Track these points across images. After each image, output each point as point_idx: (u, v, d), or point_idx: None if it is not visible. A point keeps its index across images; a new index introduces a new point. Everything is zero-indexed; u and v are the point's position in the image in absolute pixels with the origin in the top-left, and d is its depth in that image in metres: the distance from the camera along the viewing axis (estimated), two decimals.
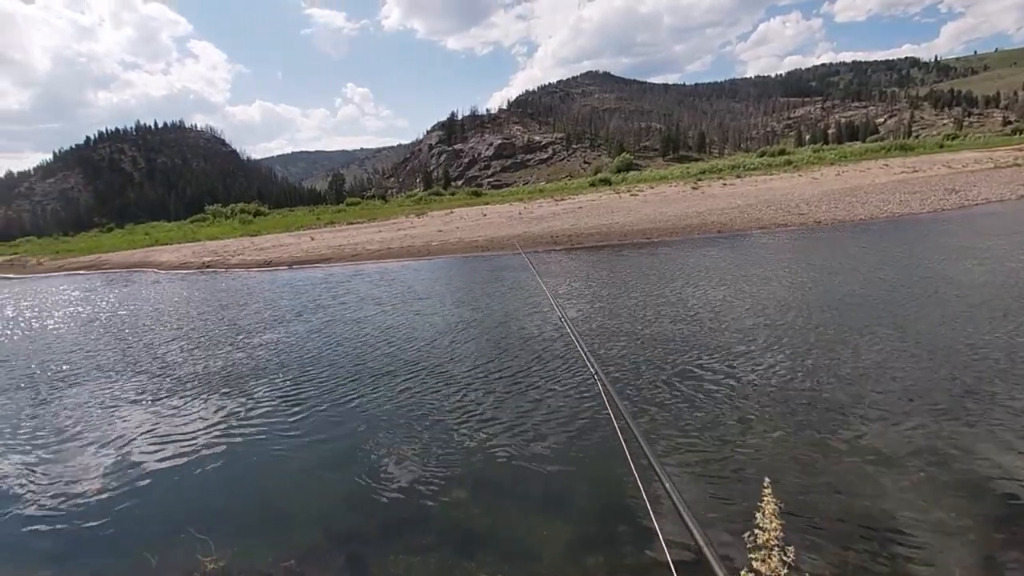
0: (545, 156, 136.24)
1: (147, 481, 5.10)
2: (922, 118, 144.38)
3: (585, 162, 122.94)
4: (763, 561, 1.37)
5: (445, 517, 4.15)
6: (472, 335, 9.12)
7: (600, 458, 4.76)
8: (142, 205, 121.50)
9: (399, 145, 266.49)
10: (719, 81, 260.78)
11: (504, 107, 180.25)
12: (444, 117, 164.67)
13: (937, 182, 27.54)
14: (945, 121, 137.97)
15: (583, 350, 2.39)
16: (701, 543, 0.88)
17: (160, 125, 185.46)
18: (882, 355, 6.46)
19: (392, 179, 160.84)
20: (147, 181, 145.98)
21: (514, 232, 24.01)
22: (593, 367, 2.22)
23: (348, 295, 14.09)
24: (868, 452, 4.44)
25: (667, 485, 1.07)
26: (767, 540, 1.21)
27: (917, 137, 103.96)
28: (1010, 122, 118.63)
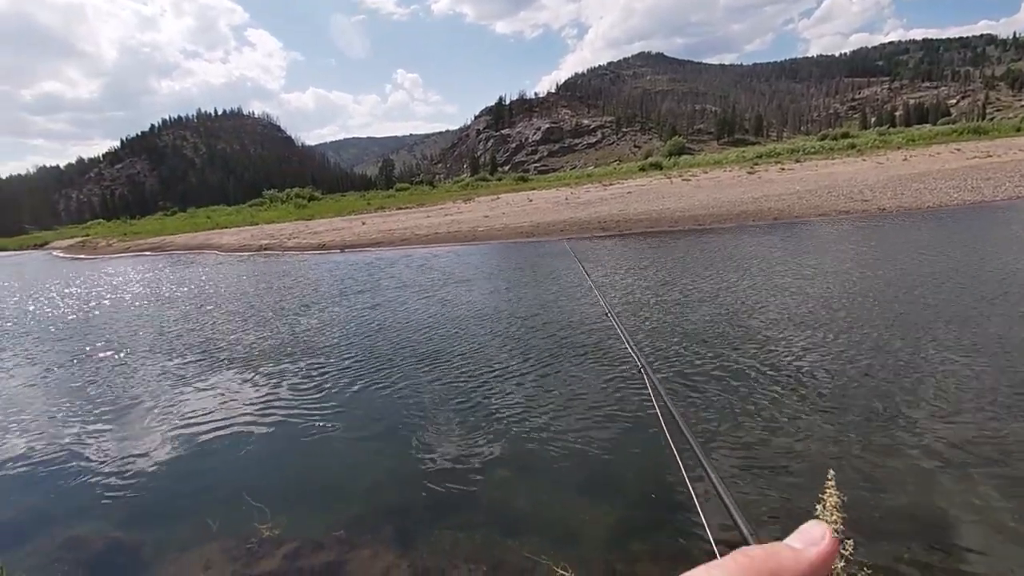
0: (594, 140, 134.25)
1: (207, 450, 5.39)
2: (998, 99, 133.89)
3: (635, 146, 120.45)
4: None
5: (489, 496, 4.21)
6: (517, 321, 9.15)
7: (644, 445, 4.71)
8: (203, 190, 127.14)
9: (447, 131, 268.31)
10: (779, 61, 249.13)
11: (552, 91, 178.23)
12: (492, 102, 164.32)
13: (1013, 168, 25.59)
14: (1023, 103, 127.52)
15: (627, 339, 2.34)
16: (745, 532, 0.86)
17: (219, 112, 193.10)
18: (941, 352, 6.10)
19: (440, 165, 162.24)
20: (208, 166, 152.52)
21: (560, 218, 23.83)
22: (637, 356, 2.18)
23: (395, 278, 14.36)
24: (924, 449, 4.22)
25: (712, 475, 1.05)
26: None
27: (992, 120, 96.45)
28: None
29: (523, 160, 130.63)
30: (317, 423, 5.77)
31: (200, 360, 8.47)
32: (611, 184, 42.36)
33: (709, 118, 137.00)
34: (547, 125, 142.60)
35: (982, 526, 3.37)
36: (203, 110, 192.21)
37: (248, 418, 6.04)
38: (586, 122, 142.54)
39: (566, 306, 9.79)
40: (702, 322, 7.99)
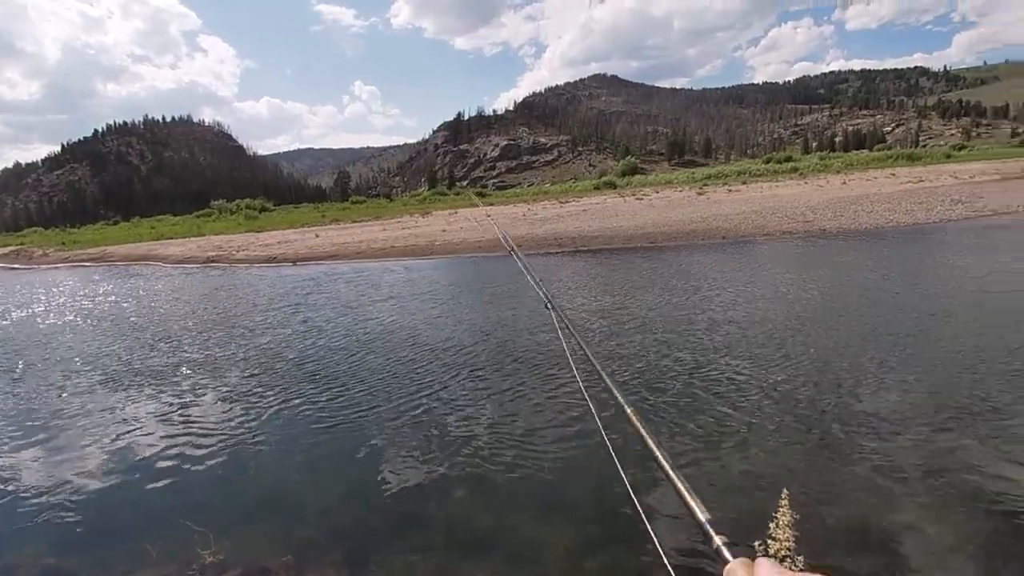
0: (550, 158, 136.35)
1: (146, 474, 5.10)
2: (930, 128, 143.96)
3: (591, 165, 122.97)
4: None
5: (445, 516, 4.13)
6: (471, 335, 9.11)
7: (600, 460, 4.74)
8: (148, 199, 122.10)
9: (405, 144, 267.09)
10: (727, 86, 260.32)
11: (510, 108, 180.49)
12: (451, 117, 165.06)
13: (943, 192, 27.41)
14: (953, 131, 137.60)
15: (596, 365, 2.36)
16: (718, 542, 0.86)
17: (168, 119, 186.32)
18: (885, 368, 6.42)
19: (397, 178, 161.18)
20: (154, 175, 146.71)
21: (518, 233, 23.99)
22: (602, 374, 2.20)
23: (348, 292, 14.09)
24: (866, 464, 4.41)
25: (682, 487, 1.05)
26: (778, 550, 1.20)
27: (924, 147, 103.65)
28: (1018, 133, 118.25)
29: (481, 175, 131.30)
30: (264, 444, 5.56)
31: (138, 378, 8.04)
32: (567, 201, 42.99)
33: (661, 139, 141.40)
34: (505, 142, 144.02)
35: (925, 537, 3.53)
36: (151, 116, 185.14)
37: (190, 438, 5.76)
38: (543, 140, 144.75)
39: (521, 323, 9.81)
40: (653, 335, 8.14)
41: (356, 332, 9.87)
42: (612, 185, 63.72)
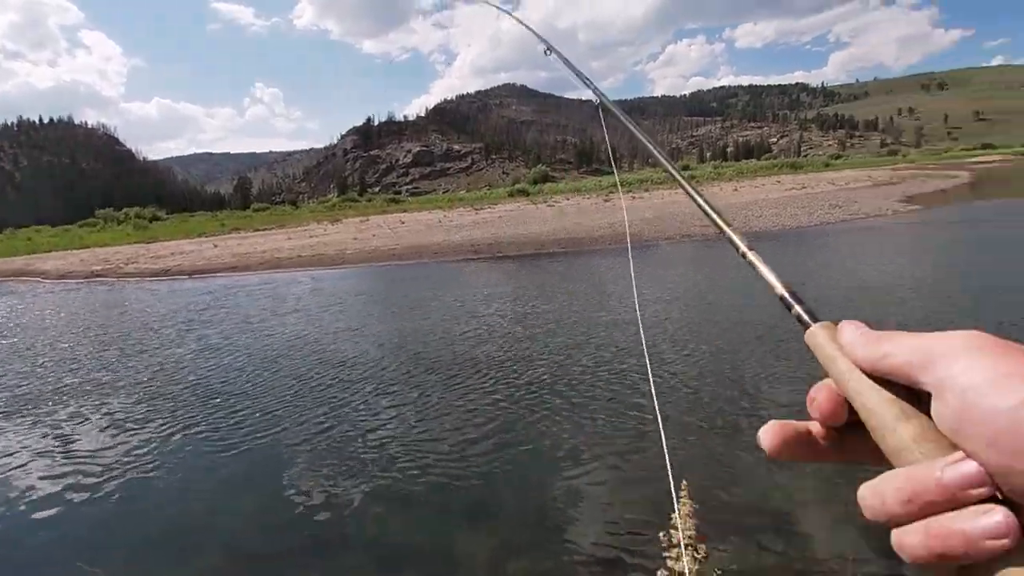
0: (464, 165, 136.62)
1: (29, 512, 4.55)
2: (810, 139, 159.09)
3: (504, 172, 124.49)
4: (676, 559, 1.46)
5: (363, 534, 4.01)
6: (381, 348, 8.93)
7: (517, 462, 4.80)
8: (23, 208, 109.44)
9: (312, 149, 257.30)
10: (630, 98, 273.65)
11: (422, 114, 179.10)
12: (360, 122, 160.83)
13: (823, 198, 30.30)
14: (830, 142, 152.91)
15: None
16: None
17: (45, 121, 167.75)
18: (767, 356, 6.99)
19: (304, 184, 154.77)
20: (29, 181, 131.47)
21: (434, 240, 23.82)
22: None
23: (247, 306, 13.37)
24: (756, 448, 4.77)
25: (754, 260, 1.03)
26: (679, 539, 1.28)
27: (806, 156, 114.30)
28: (886, 144, 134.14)
29: (394, 182, 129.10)
30: (159, 472, 5.14)
31: (13, 408, 7.17)
32: (482, 208, 43.26)
33: (570, 149, 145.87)
34: (418, 148, 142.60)
35: (817, 512, 3.87)
36: (25, 118, 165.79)
37: (76, 471, 5.20)
38: (457, 147, 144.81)
39: (438, 332, 9.74)
40: (566, 344, 8.37)
41: (257, 349, 9.37)
42: (525, 192, 64.88)
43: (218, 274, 20.10)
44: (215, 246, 27.65)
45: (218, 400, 6.95)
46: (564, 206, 38.50)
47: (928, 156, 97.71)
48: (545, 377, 6.89)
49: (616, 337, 8.39)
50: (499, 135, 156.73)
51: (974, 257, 13.60)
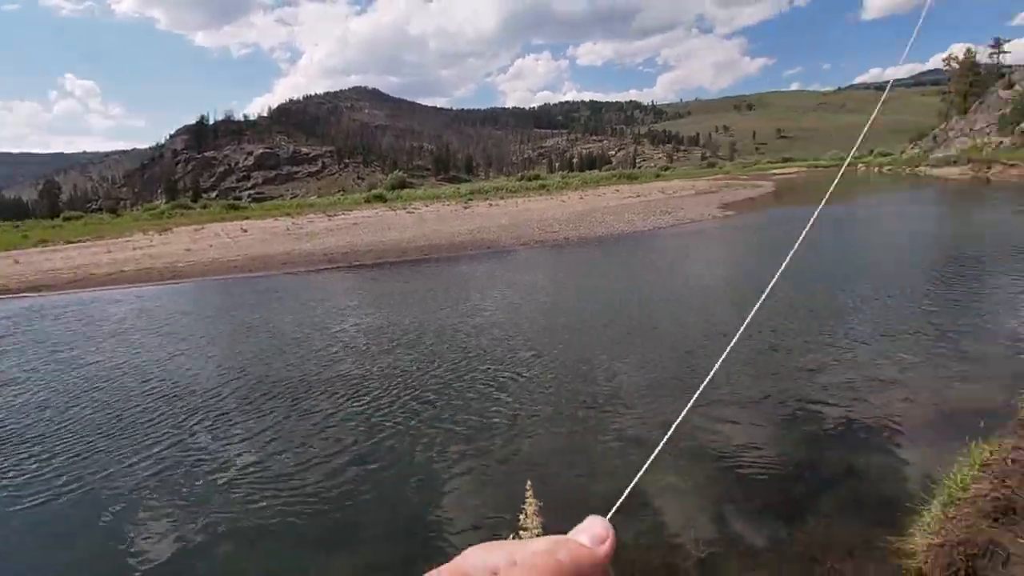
0: (315, 169, 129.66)
1: None
2: (644, 152, 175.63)
3: (359, 178, 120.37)
4: None
5: (218, 572, 3.67)
6: (216, 373, 8.24)
7: (375, 478, 4.71)
8: None
9: (135, 150, 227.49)
10: (483, 108, 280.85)
11: (265, 115, 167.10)
12: (193, 120, 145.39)
13: (655, 205, 33.59)
14: (660, 155, 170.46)
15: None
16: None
17: None
18: (622, 351, 7.63)
19: (126, 189, 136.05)
20: None
21: (283, 249, 22.36)
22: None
23: (59, 332, 11.54)
24: (613, 434, 5.20)
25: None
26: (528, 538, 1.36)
27: (640, 168, 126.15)
28: (706, 157, 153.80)
29: (234, 186, 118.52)
30: None
31: None
32: (336, 214, 41.43)
33: (427, 155, 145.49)
34: (261, 150, 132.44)
35: (671, 497, 4.28)
36: None
37: None
38: (305, 150, 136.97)
39: (284, 350, 9.19)
40: (427, 352, 8.38)
41: (66, 382, 8.11)
42: (382, 198, 63.34)
43: (22, 295, 16.97)
44: (16, 262, 23.25)
45: (22, 445, 5.89)
46: (424, 212, 38.29)
47: (740, 168, 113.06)
48: (401, 392, 6.83)
49: (482, 343, 8.57)
50: (352, 139, 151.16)
51: (766, 256, 16.00)
